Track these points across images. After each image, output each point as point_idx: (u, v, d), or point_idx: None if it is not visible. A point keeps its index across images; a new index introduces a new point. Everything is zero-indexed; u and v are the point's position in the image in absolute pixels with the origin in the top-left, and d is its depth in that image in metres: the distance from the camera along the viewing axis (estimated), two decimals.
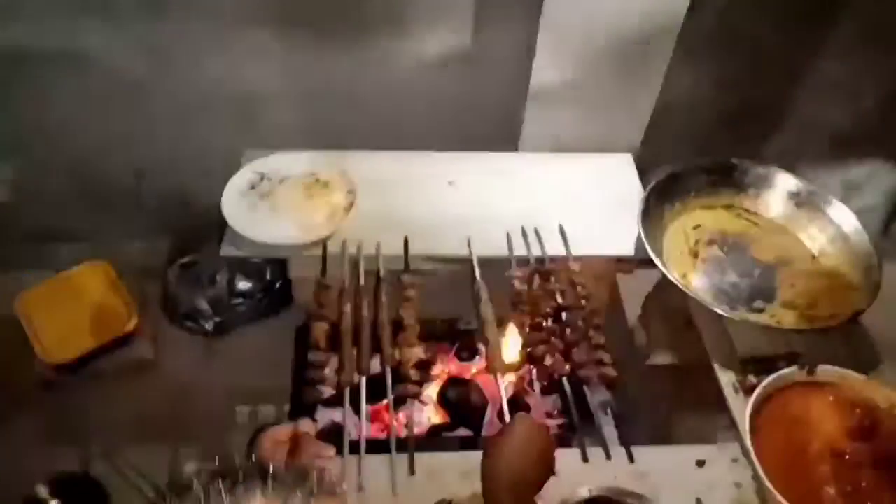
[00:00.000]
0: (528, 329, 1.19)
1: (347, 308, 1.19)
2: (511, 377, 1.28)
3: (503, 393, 1.12)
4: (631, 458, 1.04)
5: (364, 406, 1.07)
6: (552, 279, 1.24)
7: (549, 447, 0.84)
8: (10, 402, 1.44)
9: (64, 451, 1.37)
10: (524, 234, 1.32)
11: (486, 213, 1.36)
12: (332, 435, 1.19)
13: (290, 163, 1.38)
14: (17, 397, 1.45)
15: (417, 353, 1.18)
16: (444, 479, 1.01)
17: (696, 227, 1.34)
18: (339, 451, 1.02)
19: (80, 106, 1.49)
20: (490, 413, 1.26)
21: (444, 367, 1.33)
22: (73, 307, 1.47)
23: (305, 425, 0.76)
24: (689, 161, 1.37)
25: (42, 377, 1.44)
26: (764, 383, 1.09)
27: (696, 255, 1.30)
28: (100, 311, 1.47)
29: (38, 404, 1.45)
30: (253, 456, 0.72)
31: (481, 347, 1.32)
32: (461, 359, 1.35)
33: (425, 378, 1.28)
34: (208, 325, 1.51)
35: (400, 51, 1.45)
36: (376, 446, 1.04)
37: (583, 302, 1.22)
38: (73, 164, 1.60)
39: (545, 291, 1.23)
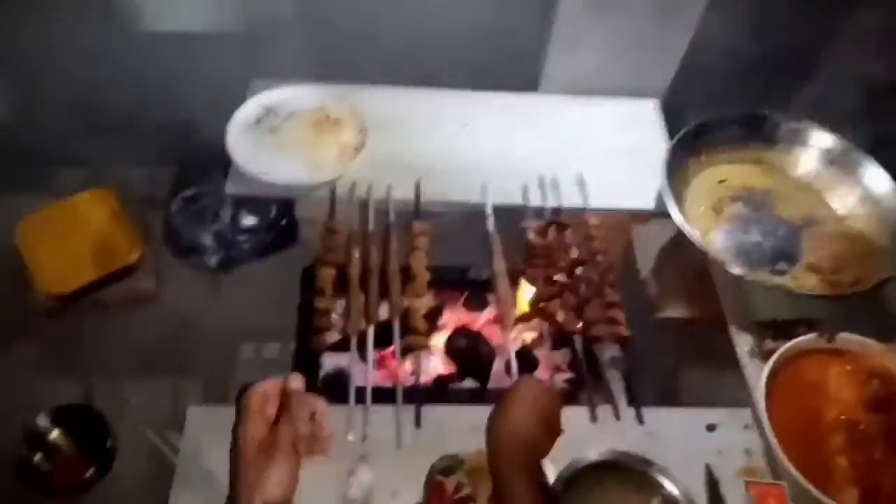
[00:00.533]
0: (540, 282, 1.15)
1: (356, 253, 1.16)
2: (521, 330, 1.25)
3: (511, 346, 1.10)
4: (640, 420, 1.02)
5: (371, 355, 1.05)
6: (568, 232, 1.20)
7: (556, 410, 0.82)
8: (11, 331, 1.42)
9: (65, 382, 1.36)
10: (541, 183, 1.27)
11: (502, 158, 1.31)
12: (338, 382, 1.18)
13: (299, 97, 1.31)
14: (17, 326, 1.43)
15: (426, 301, 1.15)
16: (450, 432, 1.00)
17: (722, 181, 1.29)
18: (345, 400, 1.00)
19: (80, 26, 1.41)
20: (498, 365, 1.24)
21: (453, 317, 1.31)
22: (75, 236, 1.43)
23: (296, 381, 0.73)
24: (718, 111, 1.31)
25: (43, 306, 1.42)
26: (782, 349, 1.06)
27: (719, 211, 1.25)
28: (102, 241, 1.43)
29: (39, 334, 1.43)
30: (241, 412, 0.70)
31: (491, 298, 1.29)
32: (470, 309, 1.32)
33: (433, 328, 1.26)
34: (212, 260, 1.48)
35: None
36: (382, 395, 1.02)
37: (598, 257, 1.18)
38: (74, 86, 1.52)
39: (560, 244, 1.18)
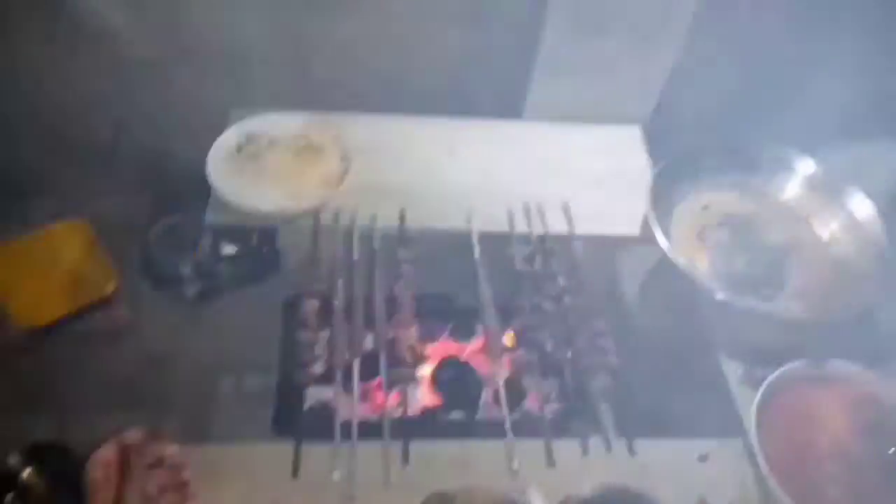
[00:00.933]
0: (528, 311, 1.14)
1: (339, 283, 1.13)
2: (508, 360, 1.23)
3: (500, 376, 1.08)
4: (632, 451, 1.01)
5: (357, 388, 1.02)
6: (554, 260, 1.19)
7: None
8: None
9: (38, 419, 1.30)
10: (526, 210, 1.26)
11: (487, 184, 1.30)
12: (322, 416, 1.15)
13: (281, 124, 1.30)
14: None
15: (412, 332, 1.13)
16: (438, 468, 0.98)
17: (706, 207, 1.29)
18: (330, 435, 0.97)
19: (51, 52, 1.39)
20: (486, 395, 1.22)
21: (439, 347, 1.28)
22: (48, 268, 1.39)
23: (131, 435, 0.68)
24: (701, 137, 1.31)
25: (15, 340, 1.37)
26: (771, 377, 1.06)
27: (703, 237, 1.25)
28: (76, 273, 1.39)
29: (11, 368, 1.38)
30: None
31: (479, 327, 1.27)
32: (457, 338, 1.30)
33: (419, 358, 1.24)
34: (190, 291, 1.44)
35: (401, 4, 1.35)
36: (368, 429, 0.99)
37: (584, 284, 1.17)
38: (46, 113, 1.49)
39: (547, 272, 1.17)
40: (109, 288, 1.38)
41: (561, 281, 1.16)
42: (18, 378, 1.37)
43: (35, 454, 1.25)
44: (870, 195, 1.25)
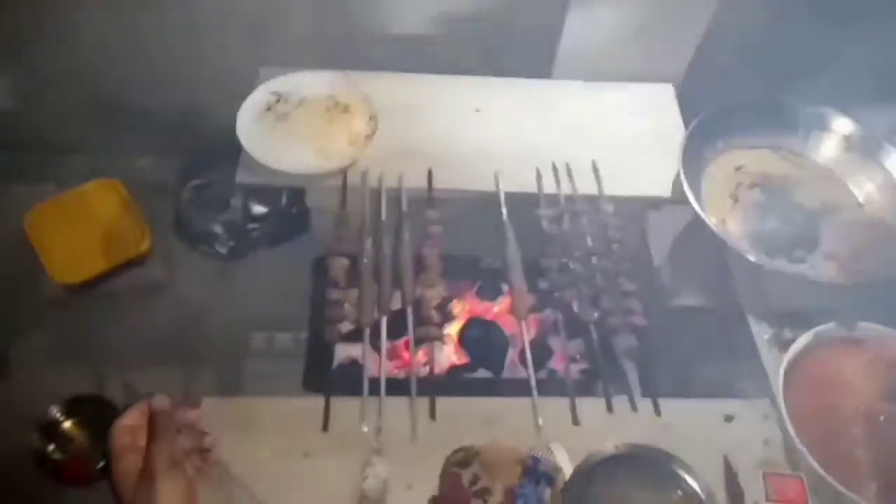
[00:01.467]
0: (555, 271, 1.14)
1: (368, 243, 1.14)
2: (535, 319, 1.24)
3: (525, 335, 1.09)
4: (657, 411, 1.01)
5: (384, 345, 1.04)
6: (583, 220, 1.18)
7: None
8: (22, 322, 1.42)
9: (77, 373, 1.35)
10: (555, 171, 1.25)
11: (515, 145, 1.29)
12: (351, 373, 1.17)
13: (309, 83, 1.29)
14: (28, 317, 1.43)
15: (439, 291, 1.13)
16: (464, 424, 0.99)
17: (739, 168, 1.27)
18: (358, 391, 1.00)
19: (88, 14, 1.40)
20: (511, 354, 1.23)
21: (466, 306, 1.29)
22: (84, 226, 1.43)
23: (158, 401, 0.70)
24: (735, 97, 1.28)
25: (52, 297, 1.41)
26: (800, 339, 1.05)
27: (736, 198, 1.23)
28: (112, 231, 1.43)
29: (50, 324, 1.42)
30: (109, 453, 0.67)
31: (505, 288, 1.27)
32: (483, 298, 1.31)
33: (446, 318, 1.25)
34: (223, 249, 1.47)
35: None
36: (395, 386, 1.01)
37: (614, 246, 1.17)
38: (80, 73, 1.51)
39: (575, 233, 1.17)
40: (144, 245, 1.41)
41: (589, 241, 1.16)
42: (56, 334, 1.42)
43: (75, 406, 1.31)
44: None
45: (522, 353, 1.08)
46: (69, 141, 1.63)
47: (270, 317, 1.43)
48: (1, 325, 1.40)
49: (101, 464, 1.26)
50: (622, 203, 1.23)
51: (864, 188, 1.24)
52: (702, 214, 1.11)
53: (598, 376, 1.06)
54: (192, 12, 1.38)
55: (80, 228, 1.42)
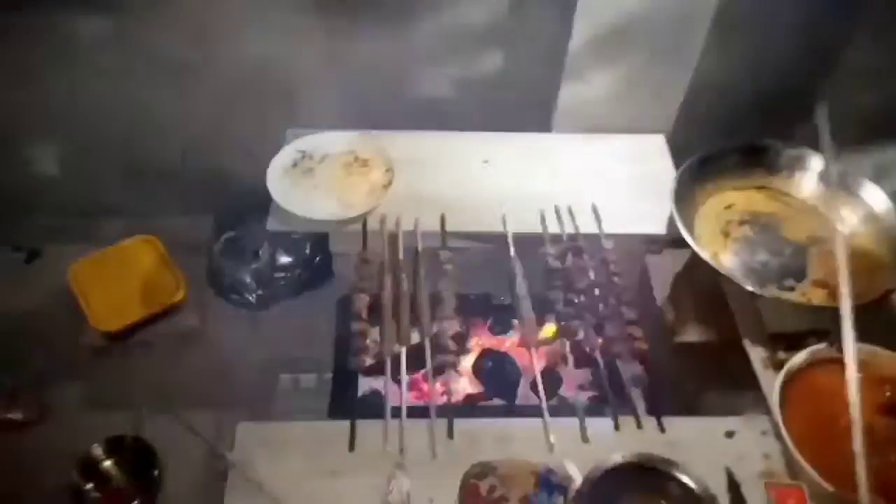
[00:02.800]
0: (560, 304, 1.22)
1: (387, 282, 1.24)
2: (545, 351, 1.32)
3: (536, 365, 1.17)
4: (662, 428, 1.08)
5: (404, 373, 1.12)
6: (585, 256, 1.27)
7: None
8: (64, 369, 1.52)
9: (116, 416, 1.43)
10: (557, 213, 1.35)
11: (521, 191, 1.40)
12: (373, 403, 1.25)
13: (331, 142, 1.43)
14: (70, 364, 1.52)
15: (454, 325, 1.22)
16: (481, 443, 1.06)
17: (728, 207, 1.36)
18: (382, 417, 1.07)
19: (126, 85, 1.55)
20: (523, 385, 1.31)
21: (479, 340, 1.38)
22: (123, 278, 1.54)
23: None
24: (721, 142, 1.39)
25: (94, 345, 1.51)
26: (794, 358, 1.12)
27: (727, 234, 1.32)
28: (149, 283, 1.54)
29: (91, 371, 1.52)
30: None
31: (515, 322, 1.36)
32: (495, 332, 1.39)
33: (461, 350, 1.33)
34: (252, 298, 1.57)
35: (436, 31, 1.48)
36: (415, 414, 1.09)
37: (615, 279, 1.25)
38: (120, 141, 1.66)
39: (578, 268, 1.26)
40: (179, 295, 1.51)
41: (591, 275, 1.25)
42: (97, 379, 1.51)
43: (114, 446, 1.38)
44: (892, 197, 1.30)
45: (534, 382, 1.15)
46: (108, 203, 1.76)
47: (296, 359, 1.52)
48: (46, 371, 1.49)
49: (137, 502, 1.33)
50: (621, 240, 1.32)
51: (848, 221, 1.33)
52: (695, 247, 1.20)
53: (606, 400, 1.13)
54: (223, 80, 1.53)
55: (119, 281, 1.53)
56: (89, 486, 1.35)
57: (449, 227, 1.32)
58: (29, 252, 1.76)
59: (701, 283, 1.36)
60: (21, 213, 1.77)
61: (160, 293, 1.52)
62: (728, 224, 1.33)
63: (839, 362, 1.14)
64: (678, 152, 1.51)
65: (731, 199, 1.37)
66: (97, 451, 1.37)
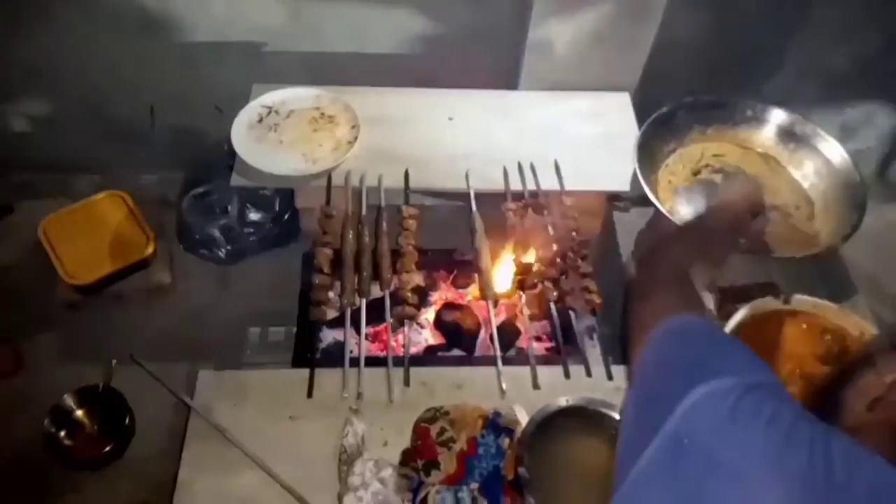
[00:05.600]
0: (520, 259, 1.25)
1: (350, 235, 1.26)
2: (503, 303, 1.35)
3: (493, 318, 1.20)
4: (610, 376, 1.12)
5: (364, 325, 1.15)
6: (545, 212, 1.30)
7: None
8: (37, 322, 1.54)
9: (88, 367, 1.47)
10: (520, 169, 1.37)
11: (484, 148, 1.41)
12: (336, 354, 1.28)
13: (297, 97, 1.43)
14: (43, 317, 1.55)
15: (416, 279, 1.25)
16: (436, 390, 1.10)
17: (691, 160, 1.38)
18: (342, 366, 1.10)
19: (95, 42, 1.54)
20: (483, 335, 1.34)
21: (441, 294, 1.41)
22: (93, 233, 1.56)
23: None
24: (684, 97, 1.40)
25: (66, 298, 1.53)
26: (740, 311, 1.15)
27: (696, 173, 1.34)
28: (119, 238, 1.56)
29: (63, 324, 1.55)
30: None
31: (476, 276, 1.39)
32: (457, 286, 1.42)
33: (422, 302, 1.36)
34: (221, 253, 1.59)
35: None
36: (375, 363, 1.12)
37: (573, 234, 1.28)
38: (90, 98, 1.66)
39: (538, 224, 1.29)
40: (149, 249, 1.54)
41: (550, 231, 1.27)
42: (69, 331, 1.54)
43: (85, 396, 1.42)
44: (859, 156, 1.32)
45: (492, 335, 1.19)
46: (79, 160, 1.77)
47: (265, 313, 1.55)
48: (18, 325, 1.52)
49: (110, 447, 1.38)
50: (584, 197, 1.35)
51: (805, 172, 1.35)
52: (652, 198, 1.22)
53: (559, 351, 1.16)
54: (190, 37, 1.53)
55: (90, 236, 1.55)
56: (62, 433, 1.39)
57: (412, 184, 1.34)
58: (0, 207, 1.76)
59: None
60: None
61: (130, 248, 1.54)
62: (696, 167, 1.35)
63: (786, 314, 1.18)
64: (643, 110, 1.52)
65: (693, 152, 1.39)
66: (69, 400, 1.41)
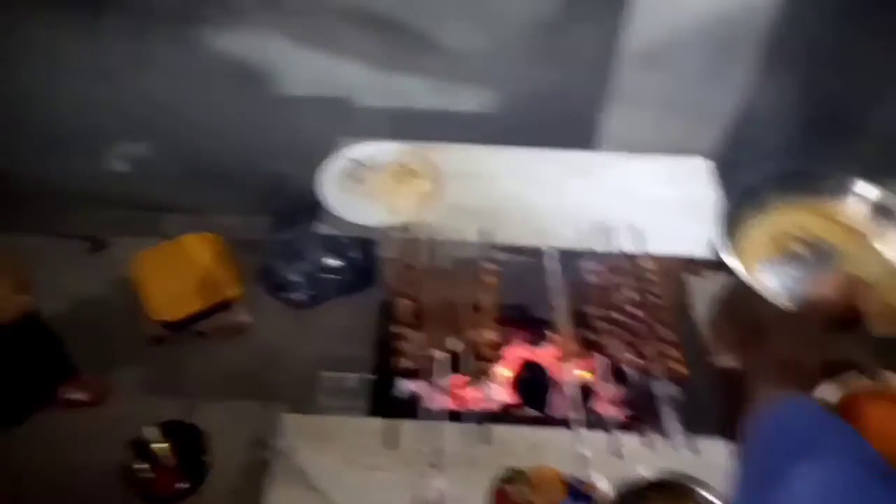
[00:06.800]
0: (598, 320, 1.25)
1: (429, 288, 1.28)
2: (579, 364, 1.35)
3: (570, 378, 1.20)
4: (694, 449, 1.09)
5: (442, 381, 1.16)
6: (624, 274, 1.30)
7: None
8: (123, 355, 1.61)
9: (169, 402, 1.52)
10: (599, 230, 1.38)
11: (562, 207, 1.43)
12: (412, 404, 1.29)
13: (382, 152, 1.49)
14: (128, 350, 1.62)
15: (492, 334, 1.26)
16: (513, 450, 1.10)
17: (781, 227, 1.36)
18: (419, 419, 1.12)
19: (195, 90, 1.65)
20: (559, 396, 1.33)
21: (517, 351, 1.41)
22: (182, 271, 1.63)
23: None
24: (766, 166, 1.40)
25: (151, 333, 1.60)
26: (833, 389, 1.12)
27: (778, 247, 1.32)
28: (206, 277, 1.62)
29: (147, 358, 1.61)
30: None
31: (552, 334, 1.39)
32: (532, 343, 1.42)
33: (497, 359, 1.37)
34: (300, 296, 1.64)
35: (484, 43, 1.52)
36: (452, 417, 1.13)
37: (653, 298, 1.27)
38: (186, 142, 1.76)
39: (617, 286, 1.28)
40: (235, 291, 1.60)
41: (629, 293, 1.27)
42: (153, 366, 1.60)
43: (168, 430, 1.47)
44: None
45: (568, 394, 1.18)
46: (171, 200, 1.87)
47: (339, 358, 1.58)
48: (104, 357, 1.59)
49: (187, 482, 1.41)
50: (661, 260, 1.34)
51: (893, 244, 1.31)
52: (735, 268, 1.21)
53: (639, 418, 1.15)
54: (285, 93, 1.61)
55: (178, 274, 1.62)
56: (142, 465, 1.44)
57: (491, 239, 1.36)
58: (94, 242, 1.86)
59: (742, 307, 1.37)
60: (91, 205, 1.88)
61: (216, 288, 1.61)
62: (781, 237, 1.33)
63: (882, 396, 1.14)
64: (724, 174, 1.52)
65: (778, 222, 1.37)
66: (151, 433, 1.46)
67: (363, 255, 1.65)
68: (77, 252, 1.83)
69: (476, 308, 1.28)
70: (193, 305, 1.57)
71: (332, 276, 1.65)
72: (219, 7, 1.50)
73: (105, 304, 1.68)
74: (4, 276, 1.33)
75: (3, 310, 1.33)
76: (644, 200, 1.45)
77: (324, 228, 1.38)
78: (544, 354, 1.41)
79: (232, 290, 1.59)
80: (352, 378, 1.55)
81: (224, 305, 1.61)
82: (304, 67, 1.59)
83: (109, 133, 1.77)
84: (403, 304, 1.27)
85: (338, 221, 1.37)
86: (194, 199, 1.81)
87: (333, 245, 1.66)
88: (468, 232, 1.37)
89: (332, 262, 1.65)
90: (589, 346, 1.32)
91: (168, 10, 1.51)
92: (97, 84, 1.63)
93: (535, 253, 1.36)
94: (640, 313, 1.24)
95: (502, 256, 1.38)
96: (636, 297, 1.27)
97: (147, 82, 1.64)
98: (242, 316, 1.63)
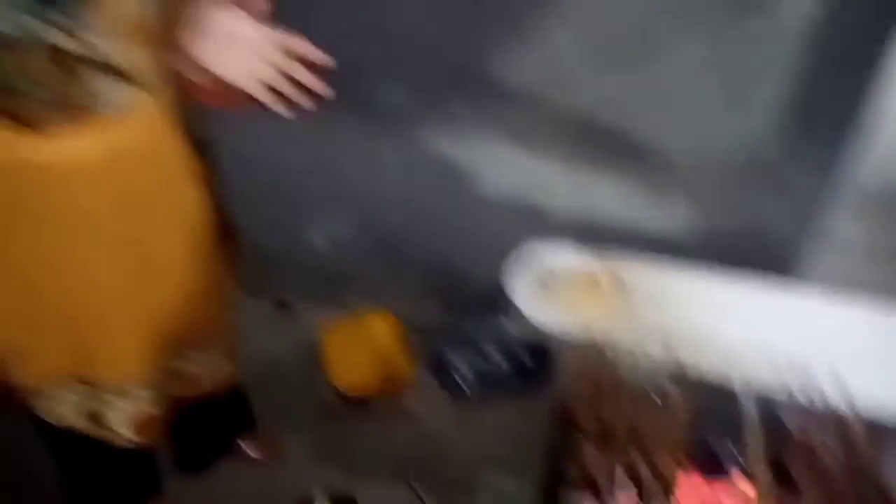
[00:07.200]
0: (806, 484, 1.14)
1: (611, 405, 1.25)
2: None
3: None
4: None
5: (617, 500, 1.11)
6: (831, 433, 1.19)
7: None
8: (296, 418, 1.68)
9: (331, 472, 1.56)
10: (801, 374, 1.28)
11: (760, 344, 1.35)
12: None
13: (573, 259, 1.50)
14: (302, 415, 1.69)
15: (676, 466, 1.19)
16: None
17: None
18: None
19: (395, 179, 1.76)
20: None
21: (697, 487, 1.32)
22: (366, 348, 1.69)
23: None
24: None
25: (327, 402, 1.67)
26: None
27: None
28: (386, 358, 1.68)
29: (319, 426, 1.67)
30: None
31: (739, 479, 1.29)
32: (715, 483, 1.33)
33: (676, 492, 1.29)
34: (468, 390, 1.66)
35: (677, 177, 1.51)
36: None
37: (864, 468, 1.15)
38: (381, 225, 1.87)
39: (824, 445, 1.18)
40: (410, 375, 1.64)
41: (840, 459, 1.15)
42: (325, 436, 1.66)
43: (334, 499, 1.50)
44: None
45: None
46: (353, 274, 1.97)
47: (501, 458, 1.56)
48: (279, 416, 1.66)
49: None
50: (875, 425, 1.22)
51: None
52: None
53: None
54: (478, 192, 1.68)
55: (362, 350, 1.69)
56: None
57: (680, 365, 1.31)
58: (278, 303, 1.99)
59: None
60: (282, 269, 2.02)
61: (396, 373, 1.66)
62: None
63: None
64: None
65: None
66: (319, 499, 1.49)
67: (538, 357, 1.65)
68: (266, 313, 1.95)
69: (661, 434, 1.22)
70: (372, 384, 1.63)
71: (503, 372, 1.66)
72: (437, 109, 1.61)
73: (288, 366, 1.78)
74: (218, 342, 1.26)
75: (212, 380, 1.28)
76: (856, 352, 1.34)
77: (512, 328, 1.40)
78: (727, 497, 1.30)
79: (408, 373, 1.64)
80: (510, 483, 1.52)
81: (398, 387, 1.65)
82: (500, 169, 1.66)
83: (313, 211, 1.91)
84: (582, 417, 1.24)
85: (523, 321, 1.38)
86: (377, 277, 1.90)
87: (508, 343, 1.68)
88: (655, 354, 1.32)
89: (505, 359, 1.66)
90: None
91: (393, 111, 1.64)
92: (315, 165, 1.77)
93: (726, 386, 1.29)
94: (850, 483, 1.12)
95: (690, 385, 1.32)
96: (842, 460, 1.15)
97: (352, 166, 1.77)
98: (412, 401, 1.67)
